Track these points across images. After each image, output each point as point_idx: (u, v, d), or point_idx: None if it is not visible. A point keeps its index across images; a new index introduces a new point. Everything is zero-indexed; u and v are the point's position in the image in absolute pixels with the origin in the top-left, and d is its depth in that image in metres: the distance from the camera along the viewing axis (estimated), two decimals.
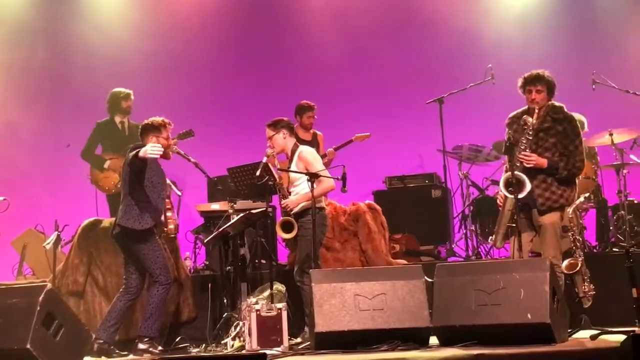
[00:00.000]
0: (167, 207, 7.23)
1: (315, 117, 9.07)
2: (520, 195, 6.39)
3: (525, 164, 6.47)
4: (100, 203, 9.30)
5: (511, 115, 6.80)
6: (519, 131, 6.59)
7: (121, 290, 7.04)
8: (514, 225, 6.47)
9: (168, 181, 7.34)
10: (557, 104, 6.67)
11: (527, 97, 6.62)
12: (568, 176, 6.57)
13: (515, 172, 6.43)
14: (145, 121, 7.09)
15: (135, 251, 6.91)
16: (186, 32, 11.23)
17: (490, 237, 6.94)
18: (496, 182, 8.01)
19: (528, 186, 6.39)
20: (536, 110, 6.53)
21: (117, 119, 9.25)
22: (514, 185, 6.40)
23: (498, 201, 6.68)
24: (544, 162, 6.49)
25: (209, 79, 11.08)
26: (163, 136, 6.98)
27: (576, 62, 10.29)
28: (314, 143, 8.87)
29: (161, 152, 6.60)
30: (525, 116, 6.55)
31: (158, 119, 7.03)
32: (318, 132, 9.14)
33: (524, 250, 6.45)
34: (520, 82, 6.66)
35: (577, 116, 8.94)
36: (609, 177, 8.98)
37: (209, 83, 11.08)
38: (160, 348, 6.93)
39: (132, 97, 9.29)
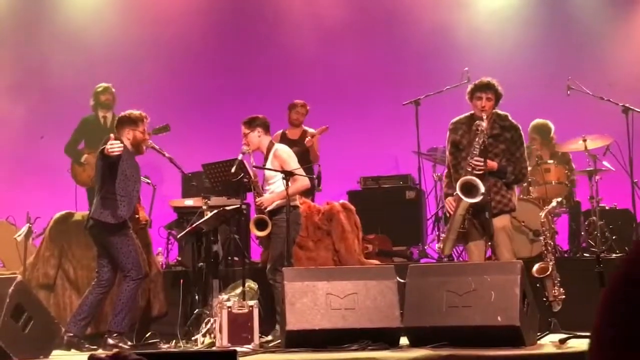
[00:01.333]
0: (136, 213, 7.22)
1: (304, 113, 9.08)
2: (476, 200, 6.42)
3: (476, 170, 6.49)
4: (80, 197, 9.26)
5: (454, 120, 6.85)
6: (465, 136, 6.65)
7: (93, 283, 7.00)
8: (464, 230, 6.53)
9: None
10: (501, 112, 6.75)
11: (477, 103, 6.65)
12: (515, 182, 6.70)
13: (471, 177, 6.45)
14: (122, 113, 7.07)
15: (108, 244, 6.88)
16: (164, 27, 11.19)
17: (438, 245, 6.96)
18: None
19: (482, 190, 6.43)
20: (484, 117, 6.57)
21: (100, 114, 9.26)
22: (470, 190, 6.43)
23: (447, 207, 6.70)
24: (494, 165, 6.56)
25: (186, 74, 11.05)
26: (139, 129, 6.95)
27: (551, 68, 10.38)
28: (302, 141, 8.87)
29: (120, 151, 6.56)
30: (478, 122, 6.58)
31: (135, 112, 7.01)
32: (309, 130, 9.12)
33: (479, 257, 6.53)
34: (469, 89, 6.73)
35: (544, 121, 9.06)
36: (581, 183, 9.06)
37: (186, 78, 11.05)
38: (130, 343, 6.90)
39: (112, 90, 9.27)
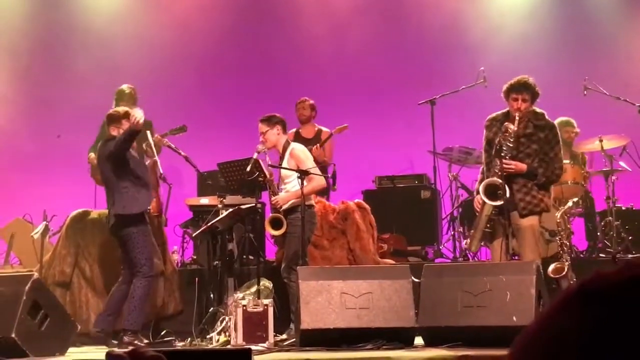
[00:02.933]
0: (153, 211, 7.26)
1: (306, 108, 9.04)
2: (497, 203, 6.41)
3: (504, 172, 6.47)
4: (99, 196, 9.29)
5: (490, 117, 6.80)
6: (501, 135, 6.60)
7: (119, 280, 7.05)
8: (490, 230, 6.52)
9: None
10: (538, 110, 6.68)
11: (512, 104, 6.57)
12: (546, 183, 6.63)
13: (496, 179, 6.44)
14: (110, 111, 7.21)
15: (126, 238, 6.92)
16: (179, 28, 11.22)
17: (466, 241, 6.97)
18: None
19: (507, 193, 6.41)
20: (517, 116, 6.53)
21: None
22: (494, 191, 6.42)
23: (475, 205, 6.70)
24: (523, 167, 6.52)
25: (201, 74, 11.08)
26: (123, 127, 7.02)
27: (568, 67, 10.34)
28: (316, 139, 8.86)
29: (142, 118, 6.66)
30: (507, 123, 6.53)
31: (121, 109, 7.16)
32: (323, 129, 9.11)
33: (498, 258, 6.51)
34: (505, 88, 6.63)
35: (566, 118, 9.00)
36: (598, 183, 9.03)
37: (202, 78, 11.08)
38: (145, 341, 6.94)
39: (135, 91, 9.31)
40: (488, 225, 6.53)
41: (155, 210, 7.48)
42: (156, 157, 7.32)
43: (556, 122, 7.43)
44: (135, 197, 6.85)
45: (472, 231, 6.76)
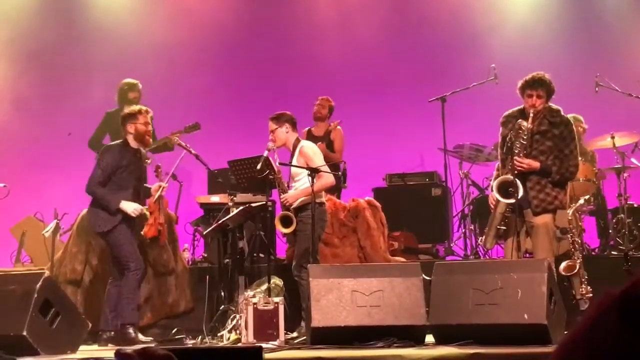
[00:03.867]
0: (150, 210, 7.24)
1: (324, 106, 9.05)
2: (511, 200, 6.39)
3: (517, 169, 6.45)
4: None
5: (506, 114, 6.77)
6: (514, 133, 6.56)
7: (111, 279, 7.14)
8: (504, 227, 6.49)
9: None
10: (554, 106, 6.64)
11: (527, 100, 6.54)
12: (560, 180, 6.59)
13: (509, 176, 6.42)
14: (124, 111, 7.24)
15: (107, 238, 7.13)
16: (190, 24, 11.23)
17: (480, 238, 6.95)
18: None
19: (521, 190, 6.39)
20: (531, 113, 6.50)
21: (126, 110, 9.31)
22: (508, 188, 6.40)
23: (490, 203, 6.68)
24: (537, 165, 6.48)
25: (212, 72, 11.07)
26: (140, 122, 7.09)
27: (580, 64, 10.29)
28: (326, 137, 8.87)
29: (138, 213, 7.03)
30: (520, 120, 6.50)
31: (135, 107, 7.19)
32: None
33: (510, 256, 6.49)
34: (520, 84, 6.59)
35: (573, 114, 8.95)
36: (609, 180, 8.98)
37: (212, 76, 11.07)
38: (141, 337, 7.01)
39: (140, 87, 9.31)
40: (502, 223, 6.50)
41: (150, 234, 7.41)
42: (164, 184, 7.37)
43: None
44: (102, 217, 7.06)
45: (487, 228, 6.74)
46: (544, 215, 6.53)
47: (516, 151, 6.45)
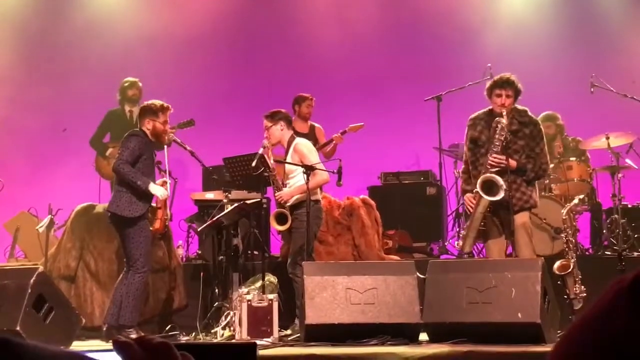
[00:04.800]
0: (159, 206, 7.21)
1: (313, 106, 9.07)
2: (497, 198, 6.39)
3: (495, 167, 6.46)
4: (104, 190, 9.31)
5: (473, 116, 6.83)
6: (484, 133, 6.61)
7: (122, 274, 7.03)
8: (484, 228, 6.51)
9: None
10: (520, 107, 6.72)
11: (496, 100, 6.61)
12: (535, 178, 6.68)
13: (491, 175, 6.42)
14: (145, 103, 7.12)
15: (122, 232, 6.94)
16: (186, 20, 11.21)
17: (457, 242, 6.95)
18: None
19: (503, 188, 6.40)
20: (504, 113, 6.53)
21: (127, 108, 9.31)
22: (490, 187, 6.40)
23: (467, 205, 6.69)
24: (513, 163, 6.52)
25: (207, 69, 11.06)
26: (160, 120, 6.98)
27: (575, 65, 10.30)
28: (311, 136, 8.86)
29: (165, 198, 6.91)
30: (498, 118, 6.54)
31: (157, 102, 7.03)
32: (316, 125, 9.13)
33: (498, 255, 6.52)
34: (488, 84, 6.69)
35: (550, 113, 8.97)
36: (604, 180, 9.00)
37: (208, 73, 11.06)
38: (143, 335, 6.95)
39: (139, 84, 9.31)
40: (482, 223, 6.52)
41: (159, 232, 7.37)
42: (167, 179, 7.30)
43: (540, 117, 7.47)
44: (129, 202, 6.83)
45: (464, 232, 6.75)
46: (522, 213, 6.58)
47: (494, 149, 6.48)
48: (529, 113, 6.71)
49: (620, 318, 0.77)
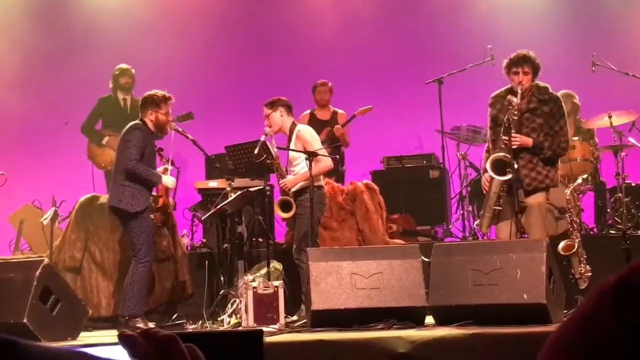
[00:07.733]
0: (160, 194, 7.22)
1: (327, 91, 9.08)
2: (506, 177, 6.37)
3: (511, 145, 6.43)
4: (97, 179, 9.32)
5: (494, 94, 6.77)
6: (503, 111, 6.57)
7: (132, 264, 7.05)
8: (499, 208, 6.48)
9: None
10: (541, 84, 6.64)
11: (514, 78, 6.54)
12: (552, 156, 6.58)
13: (501, 154, 6.40)
14: (147, 94, 7.09)
15: (124, 227, 6.99)
16: (187, 9, 11.18)
17: (476, 222, 6.93)
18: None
19: (513, 167, 6.38)
20: (520, 91, 6.49)
21: (120, 96, 9.29)
22: (501, 167, 6.38)
23: (483, 184, 6.66)
24: (529, 141, 6.48)
25: (209, 57, 11.04)
26: (162, 111, 6.97)
27: (576, 43, 10.27)
28: (333, 122, 8.87)
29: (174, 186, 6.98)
30: (509, 96, 6.51)
31: (159, 92, 7.02)
32: (339, 111, 9.12)
33: (505, 237, 6.49)
34: (505, 63, 6.61)
35: (566, 92, 8.94)
36: (607, 159, 8.98)
37: (210, 61, 11.04)
38: (150, 325, 6.95)
39: (132, 72, 9.28)
40: (497, 203, 6.50)
41: (160, 221, 7.39)
42: (169, 166, 7.29)
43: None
44: (132, 196, 6.85)
45: (482, 211, 6.73)
46: (537, 194, 6.53)
47: (504, 128, 6.44)
48: (550, 90, 6.62)
49: (605, 316, 0.74)
